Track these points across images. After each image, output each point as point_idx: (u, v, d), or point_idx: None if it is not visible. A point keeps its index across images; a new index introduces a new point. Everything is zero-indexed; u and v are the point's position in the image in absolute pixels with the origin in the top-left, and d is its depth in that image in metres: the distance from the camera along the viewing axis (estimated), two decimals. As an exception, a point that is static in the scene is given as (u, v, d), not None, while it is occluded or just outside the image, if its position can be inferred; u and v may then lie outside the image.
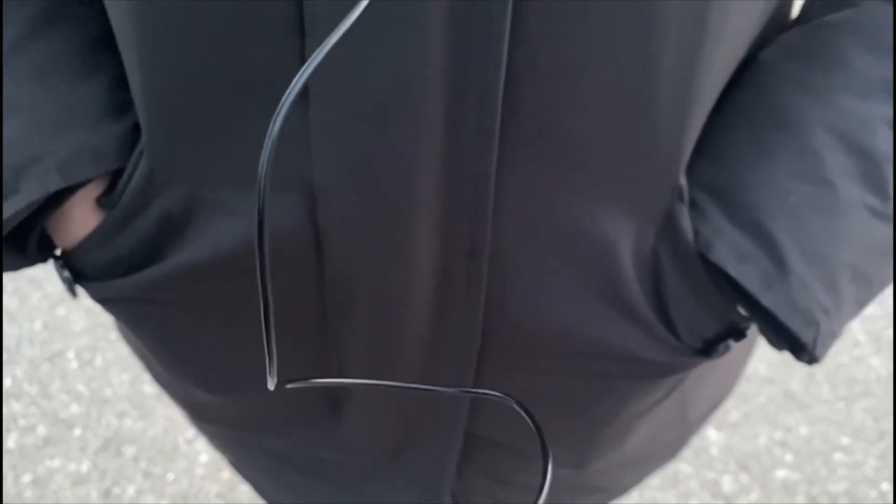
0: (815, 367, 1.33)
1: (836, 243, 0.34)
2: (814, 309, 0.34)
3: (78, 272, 0.40)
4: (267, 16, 0.28)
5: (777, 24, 0.38)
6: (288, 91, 0.19)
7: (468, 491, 0.51)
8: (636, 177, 0.33)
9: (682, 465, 1.19)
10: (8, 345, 1.37)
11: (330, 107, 0.30)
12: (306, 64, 0.20)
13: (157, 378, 0.50)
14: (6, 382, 1.31)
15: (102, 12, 0.34)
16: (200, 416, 0.50)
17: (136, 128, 0.35)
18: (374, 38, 0.27)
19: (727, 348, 0.39)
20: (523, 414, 0.28)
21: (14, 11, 0.35)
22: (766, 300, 0.34)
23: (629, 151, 0.32)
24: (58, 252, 0.40)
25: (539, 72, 0.29)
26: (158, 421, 1.26)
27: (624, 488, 0.57)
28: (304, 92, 0.29)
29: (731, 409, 1.27)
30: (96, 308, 1.29)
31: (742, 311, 0.37)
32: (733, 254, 0.34)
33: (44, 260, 0.40)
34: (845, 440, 1.24)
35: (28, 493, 1.16)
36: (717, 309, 0.37)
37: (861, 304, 0.37)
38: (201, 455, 1.21)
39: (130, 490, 1.17)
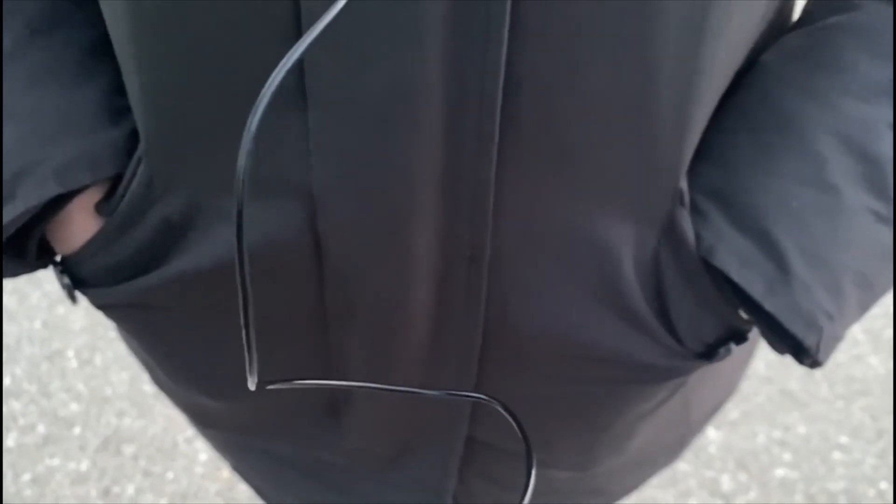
0: (815, 366, 1.32)
1: (839, 247, 0.34)
2: (817, 314, 0.34)
3: (78, 278, 0.40)
4: (264, 21, 0.28)
5: (778, 27, 0.38)
6: (270, 80, 0.19)
7: (469, 493, 0.51)
8: (636, 181, 0.32)
9: (681, 464, 1.19)
10: (7, 343, 1.37)
11: (328, 113, 0.29)
12: (293, 49, 0.20)
13: (158, 382, 0.50)
14: (6, 381, 1.31)
15: (99, 18, 0.34)
16: (201, 420, 0.50)
17: (134, 134, 0.35)
18: (372, 44, 0.27)
19: (728, 352, 0.39)
20: (508, 417, 0.28)
21: (11, 18, 0.35)
22: (769, 305, 0.33)
23: (629, 155, 0.31)
24: (57, 258, 0.40)
25: (538, 76, 0.29)
26: (158, 420, 1.25)
27: (625, 490, 0.57)
28: (303, 98, 0.29)
29: (730, 408, 1.27)
30: (95, 307, 1.29)
31: (744, 314, 0.37)
32: (736, 258, 0.34)
33: (43, 266, 0.40)
34: (844, 439, 1.24)
35: (27, 492, 1.16)
36: (718, 313, 0.37)
37: (864, 307, 0.37)
38: (201, 454, 1.21)
39: (130, 489, 1.17)
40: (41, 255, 0.39)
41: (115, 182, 0.36)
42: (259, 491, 0.61)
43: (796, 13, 0.40)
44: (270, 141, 0.31)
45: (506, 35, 0.27)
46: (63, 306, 1.43)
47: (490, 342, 0.37)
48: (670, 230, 0.34)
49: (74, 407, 1.28)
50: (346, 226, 0.32)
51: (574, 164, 0.31)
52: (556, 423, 0.42)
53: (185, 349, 0.42)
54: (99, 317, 1.41)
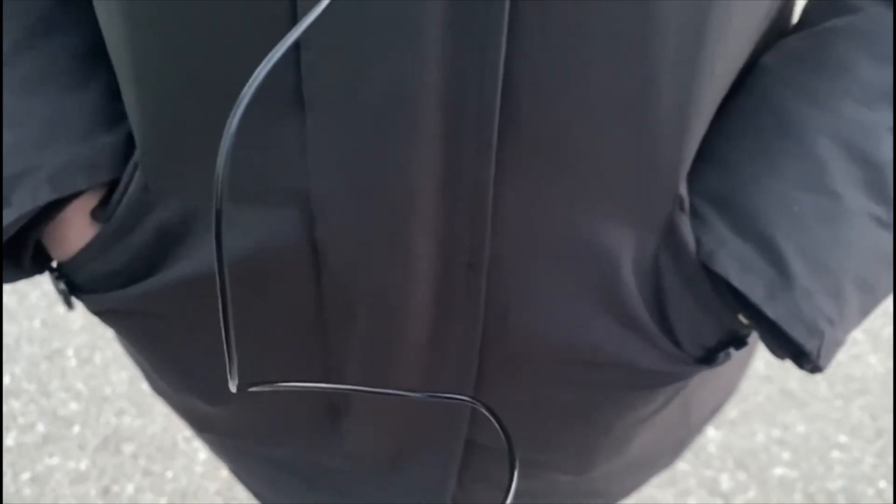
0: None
1: (840, 253, 0.34)
2: (818, 319, 0.34)
3: (74, 284, 0.40)
4: (261, 23, 0.28)
5: (778, 29, 0.37)
6: (254, 76, 0.19)
7: (468, 495, 0.51)
8: (636, 185, 0.32)
9: (681, 464, 1.19)
10: (7, 343, 1.37)
11: (327, 118, 0.29)
12: (281, 41, 0.19)
13: (156, 387, 0.50)
14: (5, 380, 1.31)
15: (96, 23, 0.34)
16: (199, 425, 0.50)
17: (129, 139, 0.35)
18: (370, 46, 0.27)
19: (728, 356, 0.39)
20: (492, 419, 0.28)
21: (6, 22, 0.35)
22: (770, 311, 0.33)
23: (629, 160, 0.31)
24: (54, 264, 0.40)
25: (537, 81, 0.28)
26: (157, 419, 1.25)
27: (625, 492, 0.57)
28: (300, 102, 0.29)
29: (729, 408, 1.27)
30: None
31: (744, 319, 0.37)
32: (736, 263, 0.34)
33: (40, 272, 0.40)
34: (843, 438, 1.24)
35: (27, 491, 1.16)
36: (718, 318, 0.37)
37: (865, 312, 0.37)
38: (200, 453, 1.21)
39: (129, 488, 1.17)
40: (38, 261, 0.39)
41: (111, 188, 0.36)
42: (258, 495, 0.61)
43: (796, 15, 0.39)
44: (267, 146, 0.30)
45: (504, 37, 0.27)
46: (62, 306, 1.43)
47: (489, 345, 0.37)
48: (670, 234, 0.34)
49: (74, 406, 1.28)
50: (345, 229, 0.32)
51: (573, 166, 0.31)
52: (555, 427, 0.42)
53: (181, 354, 0.42)
54: (98, 316, 1.41)
